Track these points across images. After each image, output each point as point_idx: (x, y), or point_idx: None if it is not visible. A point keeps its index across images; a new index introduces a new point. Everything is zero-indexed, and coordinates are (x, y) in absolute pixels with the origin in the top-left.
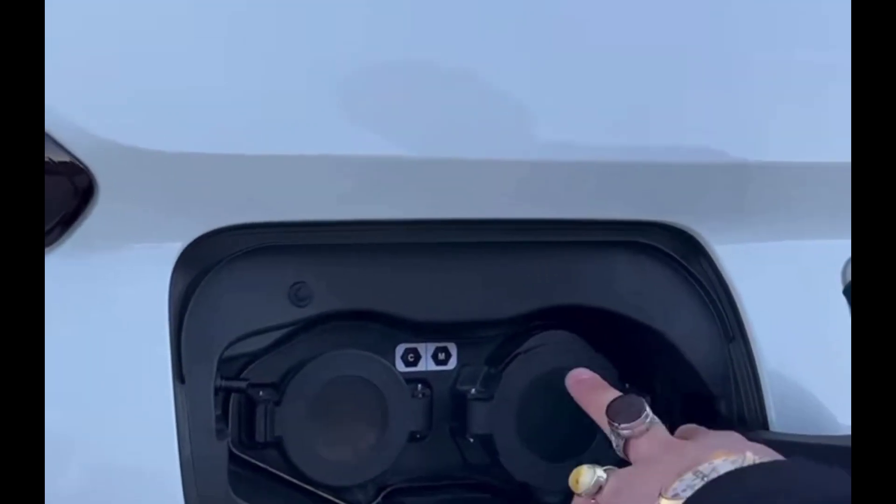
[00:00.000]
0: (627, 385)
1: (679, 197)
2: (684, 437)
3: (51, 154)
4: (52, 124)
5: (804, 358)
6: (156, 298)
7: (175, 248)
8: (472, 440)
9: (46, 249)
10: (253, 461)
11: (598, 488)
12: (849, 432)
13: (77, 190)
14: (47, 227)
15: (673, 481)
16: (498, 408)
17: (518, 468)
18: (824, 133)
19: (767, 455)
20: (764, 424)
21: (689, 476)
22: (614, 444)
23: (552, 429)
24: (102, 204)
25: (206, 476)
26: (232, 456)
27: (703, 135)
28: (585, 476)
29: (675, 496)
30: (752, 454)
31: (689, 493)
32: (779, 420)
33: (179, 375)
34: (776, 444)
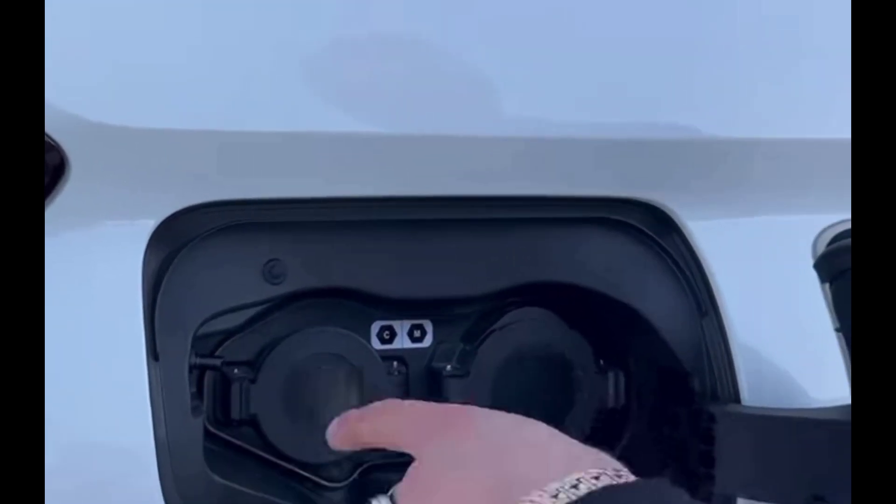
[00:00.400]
0: (602, 362)
1: (651, 173)
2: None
3: None
4: None
5: (776, 332)
6: (129, 276)
7: (148, 226)
8: None
9: None
10: (229, 439)
11: None
12: (819, 405)
13: (48, 167)
14: None
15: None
16: (473, 384)
17: None
18: (796, 109)
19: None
20: (736, 398)
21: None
22: None
23: (528, 404)
24: (74, 181)
25: (181, 453)
26: (208, 434)
27: (675, 111)
28: None
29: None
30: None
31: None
32: (750, 394)
33: (153, 353)
34: (748, 417)
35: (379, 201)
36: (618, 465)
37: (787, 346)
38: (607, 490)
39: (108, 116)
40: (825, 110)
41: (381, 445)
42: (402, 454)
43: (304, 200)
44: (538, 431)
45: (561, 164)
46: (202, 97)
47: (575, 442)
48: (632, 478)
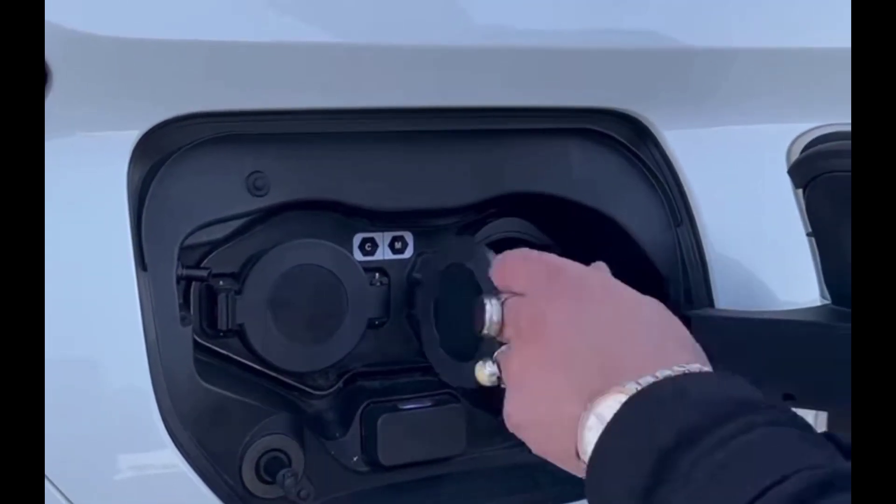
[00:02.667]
0: None
1: (628, 84)
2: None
3: None
4: None
5: (749, 239)
6: (114, 187)
7: (131, 137)
8: None
9: None
10: (216, 349)
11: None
12: (791, 307)
13: None
14: None
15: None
16: None
17: None
18: (771, 19)
19: None
20: (710, 303)
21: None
22: None
23: None
24: (57, 91)
25: (171, 361)
26: (196, 344)
27: (651, 21)
28: (481, 375)
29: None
30: None
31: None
32: (723, 298)
33: (142, 263)
34: (722, 320)
35: (361, 113)
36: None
37: (760, 252)
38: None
39: (93, 26)
40: (798, 20)
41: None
42: (385, 364)
43: (287, 112)
44: (656, 313)
45: (539, 76)
46: (187, 7)
47: (684, 334)
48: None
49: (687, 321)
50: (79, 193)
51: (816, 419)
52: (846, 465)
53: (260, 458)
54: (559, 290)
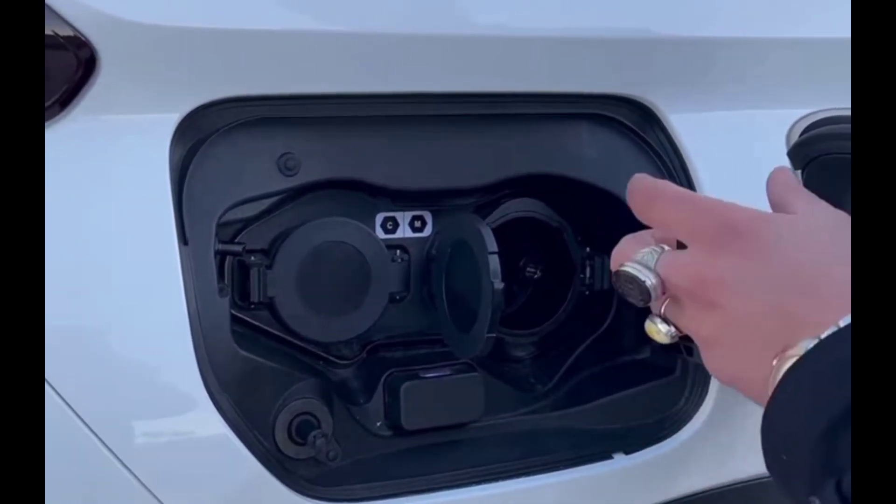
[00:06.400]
0: (589, 250)
1: (636, 71)
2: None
3: (55, 28)
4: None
5: None
6: (157, 166)
7: (173, 119)
8: None
9: (52, 120)
10: (248, 319)
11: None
12: None
13: (80, 62)
14: (52, 99)
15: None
16: None
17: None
18: (774, 9)
19: None
20: None
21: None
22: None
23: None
24: (104, 76)
25: (211, 329)
26: (230, 315)
27: (659, 10)
28: (658, 335)
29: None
30: None
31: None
32: None
33: (183, 237)
34: None
35: (386, 98)
36: None
37: None
38: None
39: (137, 14)
40: (800, 10)
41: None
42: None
43: (316, 97)
44: (833, 250)
45: (552, 63)
46: None
47: None
48: None
49: None
50: (127, 172)
51: None
52: None
53: (292, 420)
54: (730, 250)
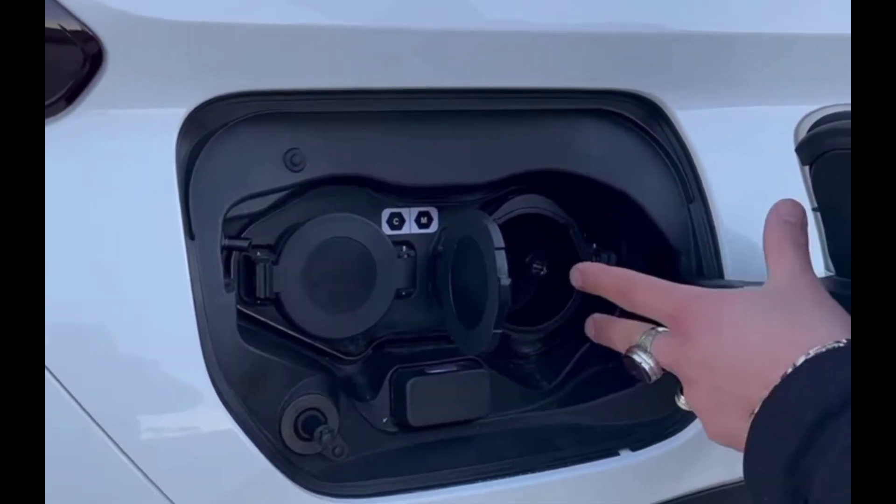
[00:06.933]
0: (596, 246)
1: (643, 66)
2: None
3: (62, 22)
4: None
5: (758, 215)
6: (164, 161)
7: (180, 114)
8: None
9: (59, 115)
10: (254, 315)
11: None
12: None
13: (87, 57)
14: (59, 94)
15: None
16: None
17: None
18: (781, 5)
19: None
20: (720, 275)
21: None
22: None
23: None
24: (112, 71)
25: (217, 323)
26: (236, 311)
27: (665, 6)
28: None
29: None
30: None
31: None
32: (733, 270)
33: (189, 232)
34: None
35: (392, 94)
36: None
37: None
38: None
39: (144, 9)
40: (807, 6)
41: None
42: (412, 332)
43: (323, 92)
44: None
45: (558, 59)
46: None
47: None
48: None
49: None
50: (132, 166)
51: None
52: None
53: (298, 416)
54: (700, 333)
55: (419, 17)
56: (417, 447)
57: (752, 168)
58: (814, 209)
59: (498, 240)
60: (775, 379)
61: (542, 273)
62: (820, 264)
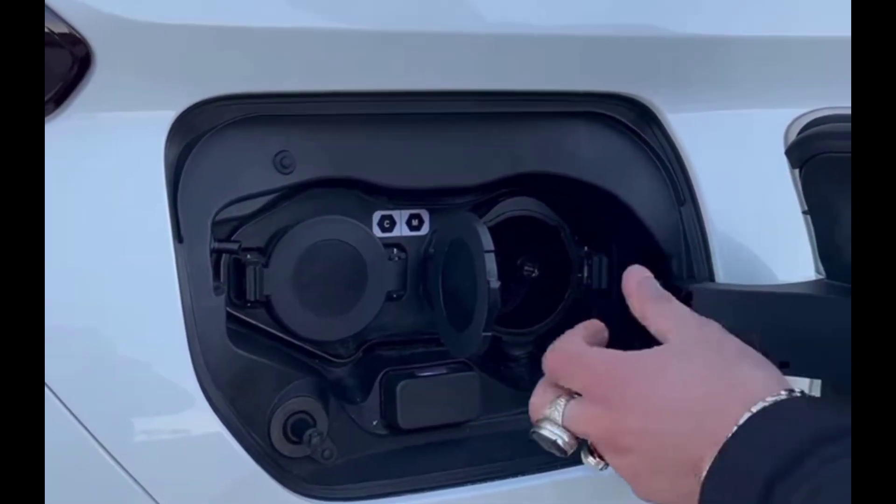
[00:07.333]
0: (587, 248)
1: (634, 69)
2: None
3: (50, 25)
4: None
5: (748, 217)
6: (152, 163)
7: (168, 117)
8: None
9: (48, 117)
10: (244, 318)
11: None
12: (784, 281)
13: (76, 59)
14: (48, 96)
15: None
16: None
17: None
18: (771, 8)
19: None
20: (711, 277)
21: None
22: None
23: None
24: (100, 73)
25: (206, 326)
26: (226, 314)
27: (656, 9)
28: (592, 466)
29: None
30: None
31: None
32: (724, 273)
33: (178, 235)
34: (722, 293)
35: (382, 96)
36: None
37: (759, 230)
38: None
39: (133, 12)
40: (797, 10)
41: None
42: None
43: (313, 95)
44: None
45: (550, 61)
46: None
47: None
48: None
49: (689, 295)
50: (122, 169)
51: (811, 386)
52: None
53: (287, 419)
54: (624, 401)
55: (410, 19)
56: (407, 450)
57: (742, 171)
58: (804, 212)
59: (488, 243)
60: (721, 438)
61: (533, 275)
62: (810, 267)
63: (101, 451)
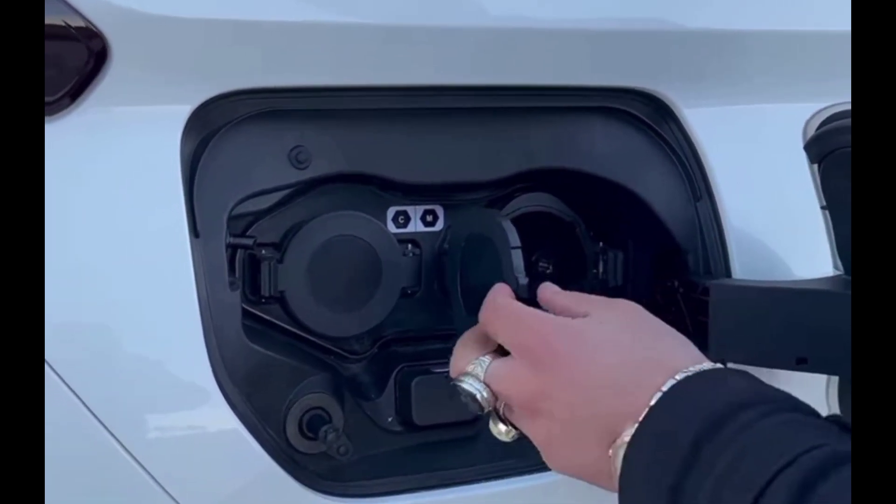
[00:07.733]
0: (602, 244)
1: (650, 64)
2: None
3: (67, 19)
4: None
5: (765, 213)
6: (168, 158)
7: (184, 111)
8: None
9: (63, 112)
10: (259, 314)
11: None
12: (802, 277)
13: (92, 53)
14: (63, 90)
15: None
16: None
17: None
18: (788, 2)
19: None
20: (728, 273)
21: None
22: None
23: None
24: (116, 68)
25: (222, 322)
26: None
27: (673, 4)
28: (501, 436)
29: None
30: None
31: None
32: (741, 269)
33: (194, 230)
34: (739, 289)
35: (397, 91)
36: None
37: (776, 225)
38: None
39: (149, 5)
40: (814, 3)
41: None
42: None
43: (328, 89)
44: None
45: (565, 56)
46: None
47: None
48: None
49: (706, 290)
50: (136, 163)
51: (829, 383)
52: (846, 444)
53: (303, 415)
54: (550, 364)
55: (425, 14)
56: (423, 446)
57: (759, 166)
58: (822, 208)
59: (514, 239)
60: (642, 408)
61: (548, 271)
62: (828, 263)
63: (118, 447)
